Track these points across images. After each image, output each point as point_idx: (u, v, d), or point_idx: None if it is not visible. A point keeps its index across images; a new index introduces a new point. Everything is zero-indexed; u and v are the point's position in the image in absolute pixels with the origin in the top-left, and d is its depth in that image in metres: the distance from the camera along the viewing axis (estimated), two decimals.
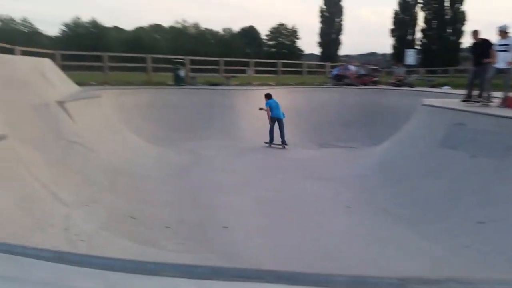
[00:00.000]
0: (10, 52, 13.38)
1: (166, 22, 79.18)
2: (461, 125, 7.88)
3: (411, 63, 28.19)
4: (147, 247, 4.69)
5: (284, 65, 25.20)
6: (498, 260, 4.59)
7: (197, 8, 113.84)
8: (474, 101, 9.73)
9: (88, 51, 21.65)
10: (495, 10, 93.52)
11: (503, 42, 9.53)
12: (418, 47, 44.65)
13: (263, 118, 13.68)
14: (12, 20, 49.93)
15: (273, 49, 60.59)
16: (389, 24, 50.17)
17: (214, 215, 6.43)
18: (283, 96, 18.52)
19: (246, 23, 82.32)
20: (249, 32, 62.21)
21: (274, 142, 13.15)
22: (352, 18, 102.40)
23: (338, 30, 53.40)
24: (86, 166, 6.84)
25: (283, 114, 13.25)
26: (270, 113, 13.10)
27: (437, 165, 7.58)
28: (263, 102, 14.48)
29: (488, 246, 4.95)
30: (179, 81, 18.32)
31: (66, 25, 51.63)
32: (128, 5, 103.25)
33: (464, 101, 9.99)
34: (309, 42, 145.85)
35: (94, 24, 52.13)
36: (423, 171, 7.72)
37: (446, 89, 20.07)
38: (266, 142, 13.28)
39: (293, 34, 63.60)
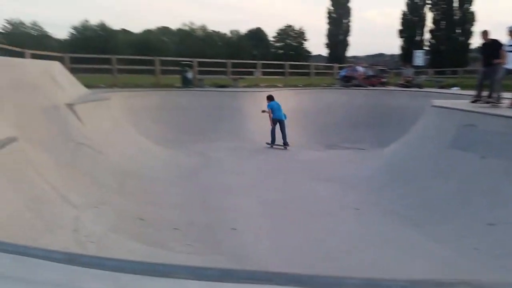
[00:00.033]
0: (21, 55, 13.54)
1: (174, 25, 79.64)
2: (470, 126, 7.81)
3: (420, 64, 28.00)
4: (155, 248, 4.70)
5: (292, 66, 25.20)
6: (509, 263, 4.53)
7: (204, 10, 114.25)
8: (484, 102, 9.64)
9: (97, 53, 21.82)
10: (505, 10, 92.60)
11: None
12: (427, 48, 44.34)
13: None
14: (22, 23, 50.50)
15: (280, 51, 60.57)
16: (397, 25, 49.99)
17: (223, 217, 6.43)
18: (290, 97, 18.53)
19: (253, 25, 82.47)
20: (257, 34, 62.29)
21: (276, 143, 13.21)
22: (359, 19, 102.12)
23: (346, 31, 53.22)
24: (95, 168, 6.88)
25: (285, 116, 13.32)
26: (271, 115, 13.16)
27: (446, 166, 7.52)
28: None
29: (499, 249, 4.89)
30: (187, 83, 18.39)
31: (75, 28, 52.13)
32: (136, 8, 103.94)
33: (473, 102, 9.90)
34: (317, 44, 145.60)
35: (103, 27, 52.56)
36: (432, 172, 7.66)
37: (455, 90, 19.91)
38: (267, 143, 13.36)
39: (300, 35, 63.57)
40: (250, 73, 23.73)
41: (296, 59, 46.35)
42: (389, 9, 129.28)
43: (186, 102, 15.59)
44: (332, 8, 52.57)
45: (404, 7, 48.50)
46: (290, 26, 63.95)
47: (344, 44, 53.25)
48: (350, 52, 55.52)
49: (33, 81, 7.58)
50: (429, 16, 47.17)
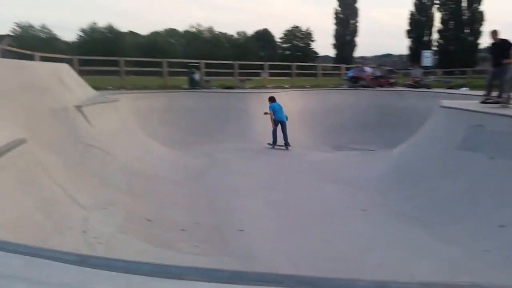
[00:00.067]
0: (30, 58, 13.66)
1: (181, 27, 79.99)
2: (479, 126, 7.74)
3: (428, 64, 27.82)
4: (163, 249, 4.71)
5: (299, 67, 25.18)
6: None
7: (211, 12, 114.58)
8: (493, 103, 9.55)
9: (105, 55, 21.94)
10: None
11: None
12: (435, 48, 44.04)
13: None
14: (31, 26, 50.95)
15: (287, 52, 60.50)
16: (405, 25, 49.61)
17: (230, 218, 6.44)
18: (297, 98, 18.52)
19: (260, 26, 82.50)
20: (264, 35, 62.28)
21: (277, 143, 13.32)
22: (367, 20, 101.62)
23: (353, 32, 53.04)
24: (104, 169, 6.92)
25: (286, 117, 13.41)
26: (273, 116, 13.27)
27: (454, 167, 7.45)
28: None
29: (509, 251, 4.83)
30: (194, 84, 18.44)
31: (83, 30, 52.46)
32: (144, 10, 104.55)
33: (483, 102, 9.81)
34: (324, 44, 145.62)
35: (110, 29, 52.84)
36: (440, 173, 7.60)
37: (464, 90, 19.75)
38: (269, 144, 13.45)
39: (307, 36, 63.44)
40: (257, 75, 23.73)
41: (303, 60, 46.28)
42: (396, 10, 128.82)
43: (193, 103, 15.64)
44: (339, 8, 52.43)
45: (412, 7, 48.24)
46: (297, 27, 63.88)
47: (352, 45, 53.06)
48: (358, 52, 55.36)
49: (42, 83, 7.65)
50: (437, 16, 46.90)
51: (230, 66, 22.01)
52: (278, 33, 69.58)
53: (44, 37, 49.74)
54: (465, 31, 44.91)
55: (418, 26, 47.45)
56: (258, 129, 14.58)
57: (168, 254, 4.61)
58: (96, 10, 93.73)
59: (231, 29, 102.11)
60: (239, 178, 9.19)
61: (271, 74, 24.01)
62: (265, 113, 13.64)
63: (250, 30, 63.83)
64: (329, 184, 8.75)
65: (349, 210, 7.07)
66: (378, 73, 22.45)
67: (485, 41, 43.39)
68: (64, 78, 9.58)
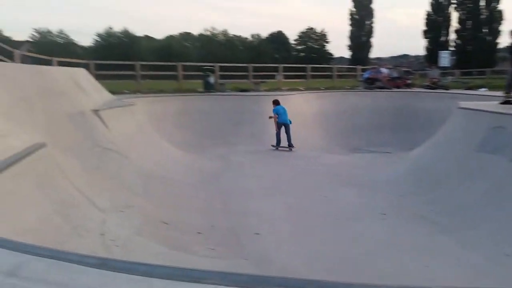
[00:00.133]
0: (48, 63, 13.93)
1: (196, 30, 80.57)
2: (499, 128, 7.57)
3: (445, 65, 27.44)
4: (180, 252, 4.72)
5: (314, 69, 25.08)
6: None
7: (225, 15, 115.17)
8: None
9: (121, 60, 22.24)
10: None
11: None
12: (452, 49, 43.44)
13: (293, 124, 13.63)
14: (49, 32, 51.99)
15: (302, 54, 60.39)
16: (421, 25, 49.08)
17: (245, 221, 6.42)
18: (312, 101, 18.46)
19: (274, 29, 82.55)
20: (278, 38, 62.31)
21: (281, 145, 13.47)
22: (383, 20, 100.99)
23: (369, 32, 52.69)
24: (121, 172, 6.98)
25: (290, 120, 13.51)
26: (277, 118, 13.40)
27: (474, 169, 7.30)
28: (292, 107, 14.49)
29: None
30: (208, 88, 18.53)
31: (99, 35, 53.26)
32: (159, 14, 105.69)
33: (503, 103, 9.60)
34: (339, 46, 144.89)
35: (126, 34, 53.51)
36: (459, 176, 7.46)
37: (483, 91, 19.40)
38: (273, 145, 13.56)
39: (322, 38, 63.27)
40: (272, 77, 23.73)
41: (318, 61, 46.12)
42: (413, 10, 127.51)
43: (208, 106, 15.72)
44: (354, 9, 52.18)
45: (428, 7, 47.72)
46: (311, 28, 63.78)
47: (367, 46, 52.73)
48: (373, 53, 54.99)
49: (60, 88, 7.77)
50: (454, 16, 46.30)
51: (245, 69, 22.06)
52: (292, 35, 69.56)
53: (62, 42, 50.70)
54: (483, 30, 44.23)
55: (435, 26, 46.91)
56: (272, 132, 14.54)
57: (185, 257, 4.62)
58: (112, 15, 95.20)
59: (246, 32, 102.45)
60: (254, 181, 9.18)
61: (286, 76, 23.97)
62: (270, 117, 13.76)
63: (264, 33, 63.82)
64: (346, 187, 8.67)
65: (367, 213, 6.98)
66: (395, 74, 22.17)
67: (504, 41, 42.63)
68: (81, 82, 9.72)
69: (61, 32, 52.71)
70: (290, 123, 13.50)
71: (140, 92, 17.39)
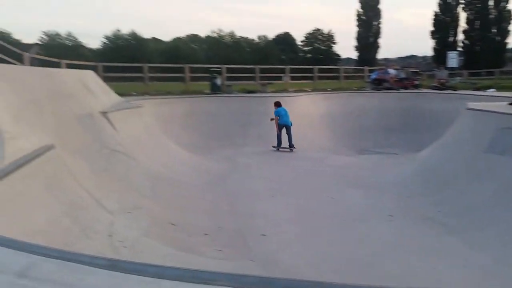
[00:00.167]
0: (57, 65, 14.06)
1: (203, 32, 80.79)
2: (508, 129, 7.51)
3: (453, 66, 27.26)
4: (187, 253, 4.74)
5: (321, 70, 25.03)
6: None
7: (232, 17, 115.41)
8: None
9: (128, 62, 22.38)
10: None
11: None
12: (460, 49, 43.15)
13: (300, 125, 13.63)
14: (58, 35, 52.40)
15: (309, 55, 60.31)
16: (429, 26, 48.78)
17: (252, 222, 6.43)
18: (319, 102, 18.44)
19: (281, 30, 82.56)
20: (285, 39, 62.29)
21: (282, 146, 13.54)
22: (390, 21, 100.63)
23: (376, 33, 52.51)
24: (128, 174, 7.03)
25: (291, 122, 13.60)
26: (278, 120, 13.51)
27: (482, 171, 7.25)
28: (299, 109, 14.49)
29: None
30: (215, 89, 18.59)
31: (107, 37, 53.58)
32: (166, 16, 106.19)
33: (511, 104, 9.52)
34: (346, 47, 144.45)
35: (134, 36, 53.78)
36: (467, 177, 7.41)
37: (491, 92, 19.24)
38: (274, 146, 13.62)
39: (329, 39, 63.13)
40: (279, 78, 23.73)
41: (325, 62, 46.03)
42: (420, 10, 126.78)
43: (214, 108, 15.77)
44: (361, 10, 52.04)
45: (436, 8, 47.45)
46: (318, 29, 63.66)
47: (375, 47, 52.55)
48: (381, 54, 54.81)
49: (68, 90, 7.85)
50: (462, 16, 45.99)
51: (252, 71, 22.10)
52: (299, 36, 69.49)
53: (70, 44, 51.06)
54: (492, 30, 43.83)
55: (443, 26, 46.63)
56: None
57: (192, 258, 4.64)
58: (119, 18, 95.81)
59: (252, 34, 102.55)
60: (261, 182, 9.19)
61: (293, 78, 23.96)
62: (272, 119, 13.83)
63: (271, 34, 63.84)
64: (352, 188, 8.65)
65: (373, 214, 6.96)
66: (402, 75, 22.05)
67: None
68: (90, 84, 9.80)
69: (69, 34, 53.10)
70: (291, 124, 13.58)
71: (147, 94, 17.48)
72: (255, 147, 13.59)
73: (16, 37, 47.06)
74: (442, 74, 22.38)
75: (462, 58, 32.45)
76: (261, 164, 11.47)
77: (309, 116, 16.87)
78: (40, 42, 49.32)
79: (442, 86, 20.69)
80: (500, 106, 9.36)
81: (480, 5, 44.23)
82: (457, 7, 46.39)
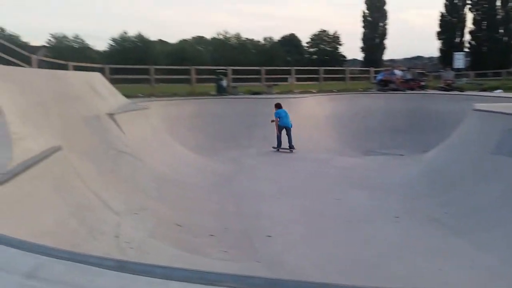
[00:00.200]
0: (64, 67, 14.17)
1: (209, 34, 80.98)
2: None
3: (460, 66, 27.11)
4: (193, 255, 4.76)
5: (326, 72, 24.99)
6: None
7: (238, 19, 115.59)
8: None
9: (135, 64, 22.50)
10: None
11: None
12: (467, 50, 42.89)
13: (305, 127, 13.62)
14: (65, 37, 52.78)
15: (314, 56, 60.24)
16: (435, 26, 48.54)
17: (257, 223, 6.44)
18: (325, 103, 18.42)
19: (287, 31, 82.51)
20: (290, 40, 62.27)
21: (282, 147, 13.64)
22: (396, 22, 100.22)
23: (382, 34, 52.35)
24: (135, 175, 7.07)
25: (291, 124, 13.70)
26: (278, 122, 13.63)
27: (489, 172, 7.20)
28: (305, 110, 14.49)
29: None
30: (221, 91, 18.65)
31: (114, 39, 53.87)
32: (172, 19, 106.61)
33: None
34: (352, 48, 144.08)
35: (140, 38, 54.02)
36: (473, 178, 7.36)
37: (498, 92, 19.12)
38: (273, 147, 13.71)
39: (335, 40, 63.01)
40: (284, 80, 23.74)
41: (331, 64, 45.94)
42: (427, 11, 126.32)
43: (220, 109, 15.81)
44: (367, 11, 51.90)
45: (442, 9, 47.21)
46: (324, 31, 63.57)
47: (381, 48, 52.38)
48: (387, 55, 54.62)
49: (75, 92, 7.91)
50: (469, 16, 45.71)
51: (257, 72, 22.12)
52: (305, 38, 69.43)
53: (77, 47, 51.41)
54: (499, 31, 43.52)
55: (449, 27, 46.39)
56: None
57: (198, 259, 4.65)
58: (126, 20, 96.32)
59: (258, 35, 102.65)
60: (266, 184, 9.19)
61: (298, 79, 23.97)
62: (272, 121, 13.89)
63: (277, 36, 63.80)
64: (358, 189, 8.63)
65: (379, 215, 6.94)
66: (409, 76, 21.97)
67: None
68: (97, 86, 9.86)
69: (76, 37, 53.48)
70: (291, 126, 13.67)
71: (154, 95, 17.57)
72: (261, 149, 13.62)
73: (24, 39, 47.54)
74: (449, 75, 22.26)
75: (468, 59, 32.29)
76: (267, 165, 11.48)
77: (315, 118, 16.86)
78: (47, 45, 49.76)
79: (448, 87, 20.58)
80: (507, 107, 9.29)
81: (487, 5, 43.96)
82: (463, 7, 46.15)
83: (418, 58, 67.53)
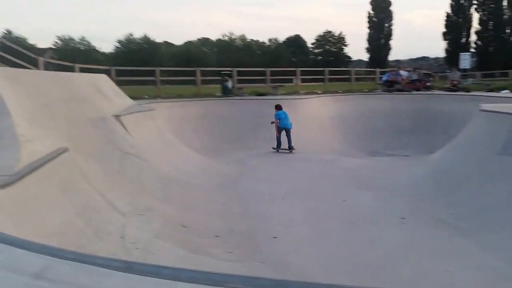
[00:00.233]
0: (70, 69, 14.27)
1: (214, 35, 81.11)
2: None
3: (466, 67, 26.96)
4: (199, 255, 4.77)
5: (331, 72, 24.94)
6: None
7: (243, 20, 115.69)
8: None
9: (141, 66, 22.59)
10: None
11: None
12: (473, 50, 42.63)
13: (310, 128, 13.61)
14: (71, 39, 53.09)
15: (320, 57, 60.13)
16: (441, 27, 48.29)
17: (263, 224, 6.44)
18: (330, 104, 18.40)
19: (292, 33, 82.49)
20: (295, 41, 62.23)
21: (281, 147, 13.72)
22: (402, 22, 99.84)
23: (388, 35, 52.15)
24: (141, 176, 7.09)
25: (291, 124, 13.76)
26: (278, 123, 13.69)
27: (496, 172, 7.16)
28: (310, 111, 14.47)
29: None
30: (226, 92, 18.68)
31: (120, 41, 54.09)
32: (178, 20, 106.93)
33: None
34: (357, 48, 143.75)
35: (146, 40, 54.22)
36: (480, 179, 7.32)
37: (505, 93, 18.98)
38: (273, 148, 13.76)
39: (340, 41, 62.87)
40: (289, 81, 23.75)
41: (336, 64, 45.85)
42: (432, 11, 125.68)
43: (225, 111, 15.84)
44: (372, 12, 51.74)
45: (448, 9, 46.97)
46: (329, 31, 63.46)
47: (386, 48, 52.17)
48: (392, 56, 54.35)
49: (82, 94, 7.96)
50: (475, 17, 45.43)
51: (262, 73, 22.14)
52: (310, 39, 69.35)
53: (83, 49, 51.69)
54: (506, 31, 43.23)
55: (455, 27, 46.13)
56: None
57: (203, 260, 4.66)
58: (132, 22, 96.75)
59: (263, 37, 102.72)
60: (272, 185, 9.19)
61: (304, 80, 23.95)
62: (272, 122, 13.93)
63: (282, 37, 63.77)
64: (364, 190, 8.60)
65: (385, 216, 6.91)
66: (414, 77, 21.89)
67: None
68: (103, 88, 9.92)
69: (83, 39, 53.78)
70: (291, 127, 13.73)
71: (159, 97, 17.63)
72: (266, 150, 13.64)
73: (31, 42, 47.87)
74: (455, 75, 22.16)
75: (474, 59, 32.08)
76: (272, 166, 11.48)
77: (320, 118, 16.84)
78: (54, 47, 50.02)
79: (454, 88, 20.49)
80: None
81: (493, 5, 43.66)
82: (469, 8, 45.87)
83: (424, 58, 67.27)
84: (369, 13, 52.11)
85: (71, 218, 3.80)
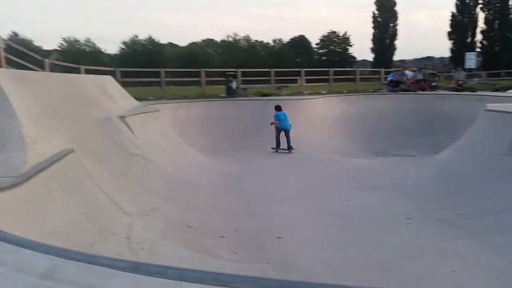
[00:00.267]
0: (76, 70, 14.34)
1: (218, 36, 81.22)
2: None
3: (472, 67, 26.82)
4: (204, 256, 4.78)
5: (336, 73, 24.88)
6: None
7: (247, 21, 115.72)
8: None
9: (145, 67, 22.64)
10: None
11: None
12: (478, 50, 42.38)
13: (315, 128, 13.59)
14: (76, 41, 53.29)
15: (324, 58, 59.99)
16: (446, 27, 48.01)
17: (268, 225, 6.44)
18: (335, 104, 18.37)
19: (296, 33, 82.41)
20: (300, 42, 62.10)
21: (280, 147, 13.82)
22: (407, 22, 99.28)
23: (393, 35, 51.89)
24: (146, 177, 7.12)
25: (290, 125, 13.85)
26: (277, 124, 13.78)
27: (502, 173, 7.12)
28: (314, 111, 14.44)
29: None
30: (231, 93, 18.71)
31: (125, 43, 54.24)
32: (182, 22, 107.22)
33: None
34: (361, 48, 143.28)
35: (151, 41, 54.32)
36: (487, 180, 7.28)
37: (510, 92, 18.87)
38: (272, 148, 13.84)
39: (344, 41, 62.68)
40: (294, 81, 23.73)
41: (341, 65, 45.74)
42: (437, 11, 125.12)
43: (230, 111, 15.86)
44: (377, 12, 51.53)
45: (453, 8, 46.70)
46: (334, 32, 63.28)
47: (391, 48, 51.91)
48: (397, 56, 54.02)
49: (87, 95, 8.01)
50: (481, 16, 45.13)
51: (267, 74, 22.13)
52: (314, 39, 69.21)
53: (89, 50, 51.82)
54: None
55: (461, 27, 45.82)
56: (294, 136, 14.54)
57: (208, 260, 4.67)
58: (136, 24, 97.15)
59: (268, 37, 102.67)
60: (276, 185, 9.19)
61: (308, 80, 23.92)
62: (272, 123, 13.99)
63: (286, 37, 63.65)
64: (369, 190, 8.58)
65: (391, 217, 6.89)
66: (419, 77, 21.79)
67: None
68: (108, 89, 9.97)
69: (88, 40, 53.89)
70: (290, 128, 13.81)
71: (164, 98, 17.69)
72: (270, 150, 13.63)
73: (37, 44, 48.12)
74: (460, 75, 22.06)
75: (480, 58, 31.92)
76: (276, 166, 11.48)
77: (325, 119, 16.82)
78: (59, 49, 50.23)
79: (460, 87, 20.40)
80: None
81: (499, 5, 43.37)
82: (475, 7, 45.56)
83: (429, 58, 66.92)
84: (373, 13, 51.88)
85: (77, 218, 3.82)
